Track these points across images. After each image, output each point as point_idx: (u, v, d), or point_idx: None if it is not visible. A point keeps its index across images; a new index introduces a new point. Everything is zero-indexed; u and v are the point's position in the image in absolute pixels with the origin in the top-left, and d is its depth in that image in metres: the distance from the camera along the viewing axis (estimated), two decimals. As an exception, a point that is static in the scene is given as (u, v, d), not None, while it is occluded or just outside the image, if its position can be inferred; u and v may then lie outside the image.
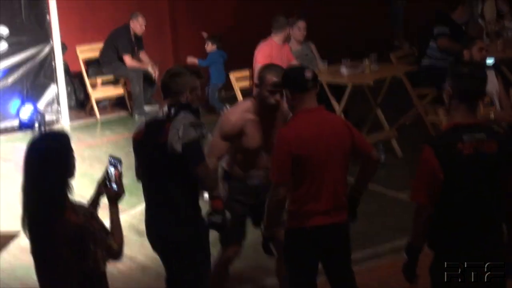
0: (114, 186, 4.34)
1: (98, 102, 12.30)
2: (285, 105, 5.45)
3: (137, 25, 12.07)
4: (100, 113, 12.14)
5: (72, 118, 12.09)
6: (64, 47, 12.07)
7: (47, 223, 4.12)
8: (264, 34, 9.87)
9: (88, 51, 12.36)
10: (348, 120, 9.68)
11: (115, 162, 4.37)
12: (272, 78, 5.51)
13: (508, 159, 4.45)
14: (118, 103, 12.71)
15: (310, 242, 5.11)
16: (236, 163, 5.83)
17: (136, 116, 11.82)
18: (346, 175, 5.18)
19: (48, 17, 11.74)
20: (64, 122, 11.94)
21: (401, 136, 9.85)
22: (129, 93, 12.28)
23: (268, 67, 5.71)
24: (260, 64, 9.34)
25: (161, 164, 5.26)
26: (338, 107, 9.61)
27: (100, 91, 12.33)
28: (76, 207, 4.17)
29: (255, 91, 5.76)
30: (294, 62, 9.50)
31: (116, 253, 4.26)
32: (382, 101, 10.10)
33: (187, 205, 5.32)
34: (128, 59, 12.02)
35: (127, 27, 12.09)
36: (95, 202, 4.41)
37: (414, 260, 4.57)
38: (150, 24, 12.59)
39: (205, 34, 11.88)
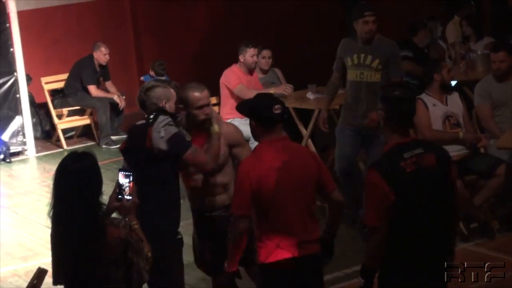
0: (129, 197, 4.34)
1: (64, 132, 12.26)
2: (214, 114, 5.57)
3: (100, 55, 12.06)
4: (66, 143, 12.10)
5: (38, 149, 12.04)
6: (28, 78, 12.02)
7: (94, 246, 4.05)
8: (229, 63, 9.88)
9: (53, 82, 12.32)
10: (316, 143, 9.81)
11: (128, 173, 4.37)
12: (194, 94, 5.50)
13: (447, 167, 4.60)
14: (84, 133, 12.68)
15: (282, 277, 4.95)
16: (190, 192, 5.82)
17: (103, 146, 11.78)
18: (314, 206, 5.06)
19: (11, 49, 11.69)
20: (30, 153, 11.87)
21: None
22: (95, 123, 12.25)
23: (186, 86, 5.63)
24: (235, 86, 9.39)
25: (145, 170, 5.23)
26: (305, 132, 9.63)
27: (66, 121, 12.28)
28: (114, 221, 4.15)
29: (182, 114, 5.64)
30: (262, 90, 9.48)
31: (151, 261, 4.25)
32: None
33: (163, 216, 5.30)
34: (93, 89, 11.99)
35: (91, 57, 12.08)
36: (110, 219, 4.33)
37: (370, 282, 4.60)
38: (115, 55, 12.60)
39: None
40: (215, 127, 5.52)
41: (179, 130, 5.32)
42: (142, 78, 11.85)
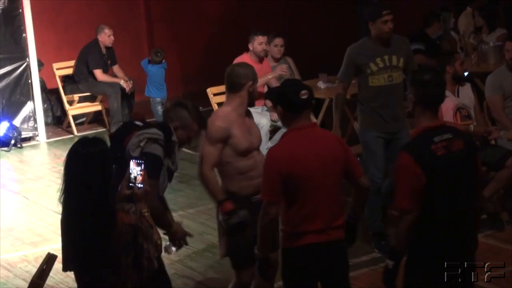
0: (140, 185, 4.36)
1: (75, 118, 12.28)
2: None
3: (105, 37, 12.02)
4: (77, 130, 12.13)
5: (49, 134, 12.09)
6: (40, 64, 12.04)
7: (104, 232, 4.06)
8: (241, 51, 9.88)
9: (64, 68, 12.33)
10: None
11: (140, 162, 4.40)
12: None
13: (474, 153, 4.70)
14: (95, 119, 12.70)
15: (306, 261, 4.95)
16: (233, 178, 5.71)
17: (114, 132, 11.80)
18: (341, 192, 5.05)
19: (24, 34, 11.71)
20: (41, 138, 11.91)
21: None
22: (106, 109, 12.26)
23: (240, 65, 5.70)
24: None
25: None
26: (316, 121, 9.63)
27: (77, 107, 12.30)
28: (124, 206, 4.16)
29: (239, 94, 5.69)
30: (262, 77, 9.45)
31: (160, 248, 4.29)
32: (359, 114, 10.14)
33: None
34: (98, 74, 11.94)
35: (95, 41, 12.04)
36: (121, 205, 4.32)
37: (398, 265, 4.65)
38: (127, 41, 12.62)
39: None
40: None
41: (162, 157, 5.19)
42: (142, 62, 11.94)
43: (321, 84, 9.75)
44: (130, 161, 4.46)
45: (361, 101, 7.40)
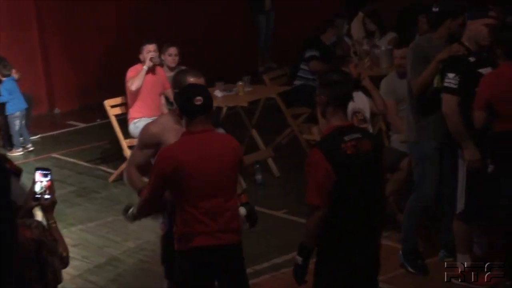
0: (47, 196, 4.33)
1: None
2: None
3: None
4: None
5: None
6: None
7: (5, 247, 3.92)
8: (137, 61, 9.86)
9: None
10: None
11: (46, 172, 4.36)
12: (191, 79, 5.39)
13: (380, 154, 4.86)
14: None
15: (199, 263, 5.05)
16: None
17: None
18: (234, 196, 5.15)
19: None
20: None
21: (278, 156, 9.95)
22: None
23: (184, 72, 5.60)
24: (128, 79, 9.40)
25: None
26: (212, 127, 9.64)
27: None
28: (26, 221, 4.10)
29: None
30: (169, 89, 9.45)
31: (66, 261, 4.24)
32: (257, 122, 10.23)
33: None
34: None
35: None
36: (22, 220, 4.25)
37: (307, 261, 4.77)
38: (20, 55, 12.40)
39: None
40: None
41: None
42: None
43: (218, 93, 9.78)
44: (35, 172, 4.40)
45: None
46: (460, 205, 6.58)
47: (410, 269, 6.95)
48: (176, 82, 5.48)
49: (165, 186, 5.05)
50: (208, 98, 5.05)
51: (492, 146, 6.37)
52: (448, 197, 6.88)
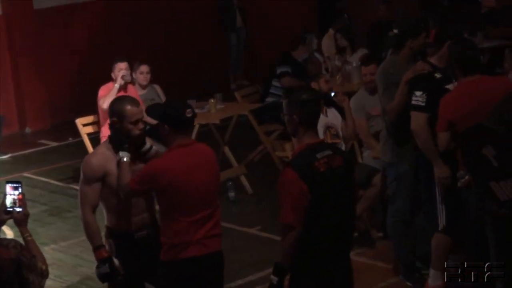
0: (19, 209, 4.32)
1: None
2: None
3: None
4: None
5: None
6: None
7: None
8: (108, 80, 9.84)
9: None
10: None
11: (16, 185, 4.35)
12: (132, 108, 5.37)
13: (351, 170, 4.88)
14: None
15: (186, 274, 5.20)
16: (114, 215, 5.52)
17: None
18: (218, 205, 5.34)
19: None
20: None
21: (250, 173, 9.96)
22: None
23: (121, 99, 5.57)
24: (101, 97, 9.35)
25: None
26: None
27: None
28: (3, 242, 4.05)
29: (112, 130, 5.52)
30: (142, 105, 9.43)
31: (46, 274, 4.23)
32: (230, 139, 10.24)
33: None
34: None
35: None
36: None
37: (282, 280, 4.74)
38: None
39: None
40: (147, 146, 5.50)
41: None
42: None
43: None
44: (6, 185, 4.39)
45: None
46: (441, 222, 6.59)
47: (408, 283, 6.96)
48: (114, 111, 5.42)
49: (147, 191, 5.28)
50: (194, 111, 5.28)
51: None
52: (425, 212, 6.91)
